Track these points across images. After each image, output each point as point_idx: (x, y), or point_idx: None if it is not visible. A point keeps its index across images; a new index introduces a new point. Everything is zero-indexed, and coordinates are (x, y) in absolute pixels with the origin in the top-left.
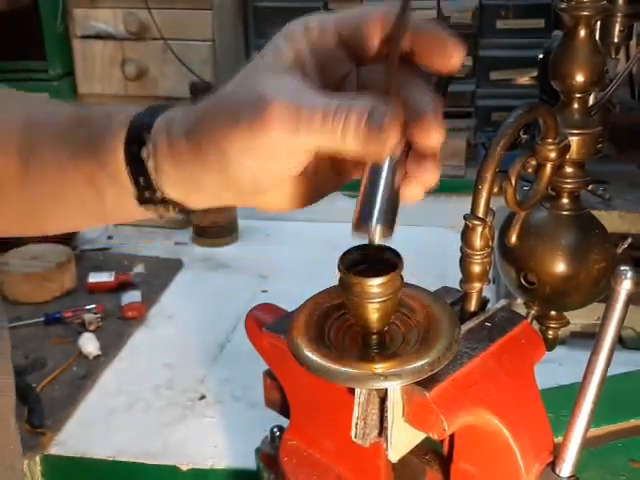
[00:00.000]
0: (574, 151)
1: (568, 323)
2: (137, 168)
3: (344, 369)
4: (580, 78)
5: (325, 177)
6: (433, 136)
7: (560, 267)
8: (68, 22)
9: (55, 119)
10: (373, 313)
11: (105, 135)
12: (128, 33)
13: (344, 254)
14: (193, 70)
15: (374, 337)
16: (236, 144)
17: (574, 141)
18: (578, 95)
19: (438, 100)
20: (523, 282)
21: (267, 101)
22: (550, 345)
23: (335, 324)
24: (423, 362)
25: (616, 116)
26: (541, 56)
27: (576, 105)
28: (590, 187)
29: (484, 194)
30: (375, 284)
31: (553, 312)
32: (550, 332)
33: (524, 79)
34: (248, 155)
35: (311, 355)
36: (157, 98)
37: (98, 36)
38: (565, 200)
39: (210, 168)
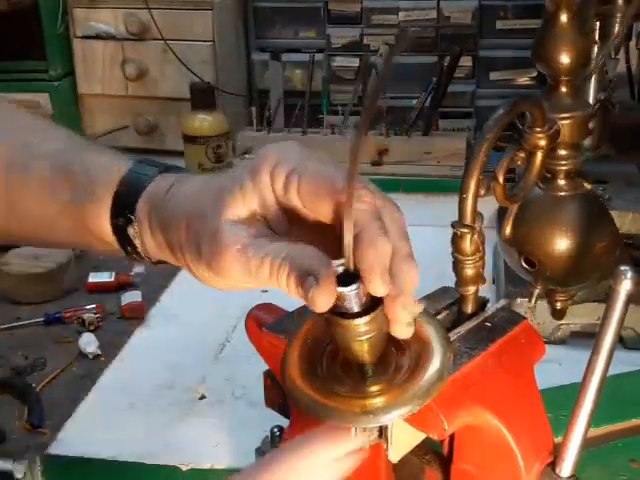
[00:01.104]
0: (566, 135)
1: (574, 296)
2: (124, 238)
3: (334, 411)
4: (565, 60)
5: None
6: (379, 289)
7: (561, 248)
8: (68, 22)
9: (39, 166)
10: (361, 349)
11: (90, 203)
12: (128, 33)
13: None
14: (193, 70)
15: (366, 366)
16: (199, 266)
17: (564, 125)
18: (565, 78)
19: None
20: (524, 265)
21: (223, 245)
22: (560, 315)
23: (329, 348)
24: (412, 403)
25: (616, 116)
26: None
27: (564, 89)
28: (590, 187)
29: (469, 202)
30: (361, 323)
31: (559, 288)
32: (558, 303)
33: (524, 79)
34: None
35: (303, 395)
36: (157, 98)
37: (98, 36)
38: (562, 181)
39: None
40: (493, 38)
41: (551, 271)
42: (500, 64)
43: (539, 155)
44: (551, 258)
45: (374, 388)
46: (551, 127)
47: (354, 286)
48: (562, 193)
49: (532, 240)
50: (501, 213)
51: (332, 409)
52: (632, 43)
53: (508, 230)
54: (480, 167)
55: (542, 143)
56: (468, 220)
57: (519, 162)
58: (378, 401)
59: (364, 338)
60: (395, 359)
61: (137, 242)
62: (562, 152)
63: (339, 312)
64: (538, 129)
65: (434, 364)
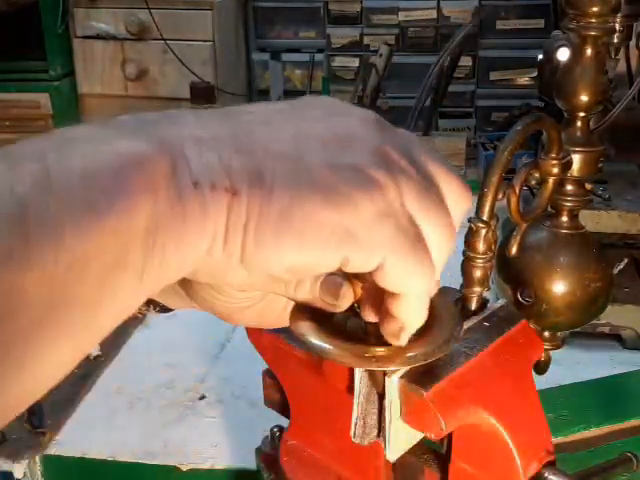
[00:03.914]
0: (575, 169)
1: (560, 346)
2: None
3: (337, 347)
4: (584, 97)
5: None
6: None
7: (557, 284)
8: (68, 22)
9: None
10: None
11: None
12: (128, 33)
13: None
14: (193, 70)
15: (376, 325)
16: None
17: (576, 159)
18: (582, 114)
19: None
20: (520, 298)
21: None
22: (542, 369)
23: (335, 319)
24: (417, 351)
25: (616, 116)
26: (541, 56)
27: (579, 124)
28: (590, 187)
29: (490, 197)
30: None
31: (547, 333)
32: (543, 354)
33: (524, 79)
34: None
35: (308, 332)
36: (157, 98)
37: (98, 36)
38: (564, 218)
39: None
40: (493, 38)
41: (546, 307)
42: (500, 64)
43: (550, 182)
44: (548, 294)
45: (381, 342)
46: (565, 156)
47: None
48: (563, 231)
49: (531, 274)
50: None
51: (336, 348)
52: (632, 43)
53: (515, 249)
54: (504, 165)
55: (555, 170)
56: (486, 216)
57: (533, 182)
58: (383, 349)
59: None
60: None
61: None
62: (569, 188)
63: None
64: (553, 155)
65: (443, 331)
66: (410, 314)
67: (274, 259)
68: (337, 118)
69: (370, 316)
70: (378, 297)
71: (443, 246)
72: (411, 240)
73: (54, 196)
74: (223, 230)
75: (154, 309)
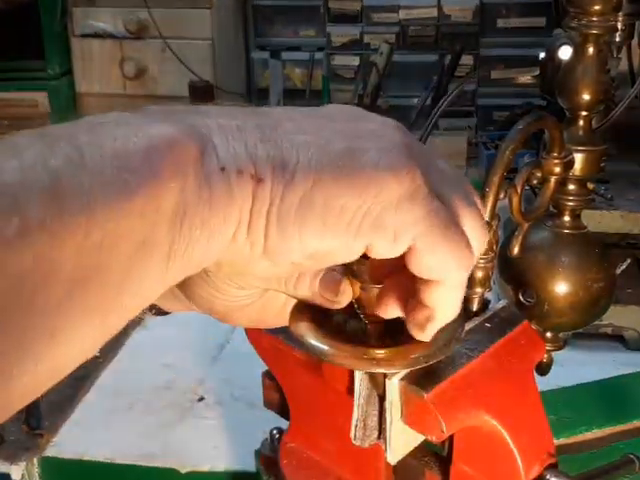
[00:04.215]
0: (577, 168)
1: (561, 347)
2: None
3: (337, 348)
4: (586, 96)
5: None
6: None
7: (559, 285)
8: (67, 21)
9: None
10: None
11: None
12: (127, 32)
13: None
14: (192, 69)
15: (377, 326)
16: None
17: (578, 158)
18: (584, 113)
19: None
20: (522, 299)
21: None
22: (544, 370)
23: (335, 318)
24: (418, 353)
25: (618, 115)
26: (542, 55)
27: (581, 122)
28: (592, 186)
29: (491, 197)
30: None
31: (549, 334)
32: (545, 355)
33: (525, 78)
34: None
35: (308, 333)
36: (156, 97)
37: (97, 35)
38: (566, 218)
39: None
40: (494, 37)
41: (548, 307)
42: (501, 63)
43: (552, 182)
44: (550, 294)
45: (382, 343)
46: (567, 155)
47: None
48: (565, 231)
49: (533, 274)
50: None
51: (336, 350)
52: (634, 41)
53: (516, 249)
54: (506, 165)
55: (557, 170)
56: (487, 216)
57: (535, 181)
58: (383, 351)
59: (379, 286)
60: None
61: None
62: (571, 187)
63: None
64: (555, 154)
65: (443, 334)
66: (443, 303)
67: (296, 245)
68: (359, 122)
69: (392, 311)
70: (402, 290)
71: (478, 234)
72: (444, 222)
73: (87, 173)
74: (247, 217)
75: (150, 311)
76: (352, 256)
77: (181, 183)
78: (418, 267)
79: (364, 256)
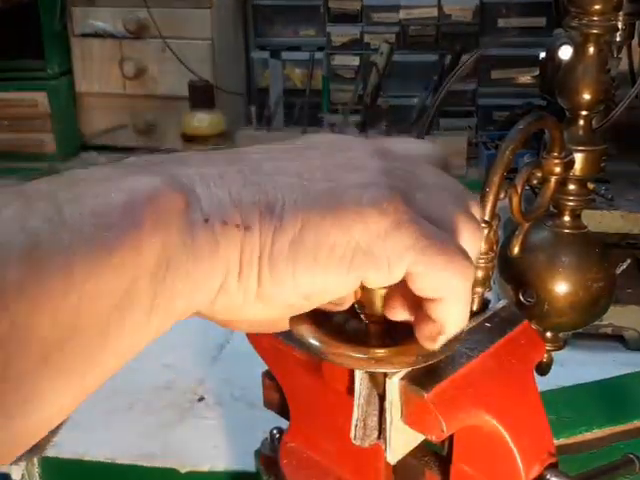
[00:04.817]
0: (577, 168)
1: (562, 347)
2: None
3: (337, 348)
4: (587, 96)
5: None
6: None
7: (559, 285)
8: (67, 20)
9: None
10: (378, 298)
11: None
12: (127, 32)
13: None
14: (192, 69)
15: (377, 326)
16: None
17: (578, 158)
18: (584, 113)
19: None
20: (522, 299)
21: None
22: (544, 370)
23: (335, 319)
24: (418, 353)
25: (618, 115)
26: (543, 55)
27: (581, 122)
28: (592, 186)
29: (491, 197)
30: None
31: (549, 334)
32: (545, 355)
33: (525, 78)
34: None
35: (308, 333)
36: (156, 97)
37: (97, 35)
38: (567, 218)
39: None
40: (494, 36)
41: (549, 307)
42: (501, 63)
43: (552, 182)
44: (550, 294)
45: (383, 342)
46: (567, 155)
47: None
48: (566, 230)
49: (533, 274)
50: (506, 238)
51: (336, 350)
52: (635, 41)
53: (516, 249)
54: (506, 165)
55: (557, 170)
56: (487, 215)
57: (535, 181)
58: (383, 351)
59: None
60: (407, 329)
61: None
62: (571, 187)
63: None
64: (555, 154)
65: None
66: (451, 317)
67: (290, 288)
68: (338, 153)
69: (399, 315)
70: (406, 295)
71: (473, 238)
72: (436, 241)
73: (66, 231)
74: (237, 266)
75: None
76: (348, 290)
77: (163, 236)
78: (420, 290)
79: None
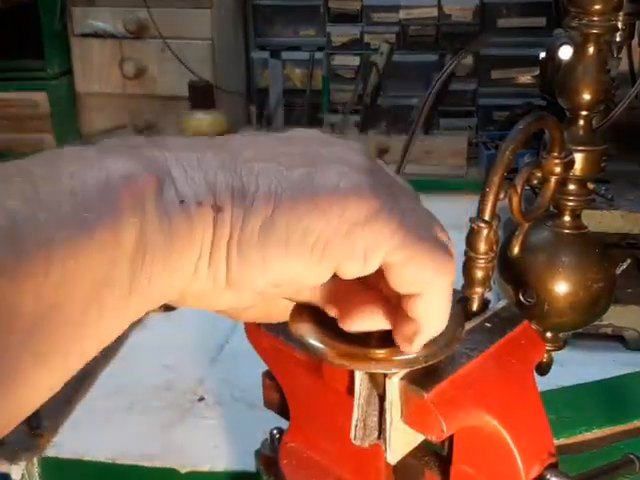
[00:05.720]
0: (577, 168)
1: (562, 347)
2: None
3: (337, 349)
4: (587, 96)
5: None
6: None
7: (559, 285)
8: (66, 20)
9: None
10: None
11: None
12: (127, 32)
13: None
14: (192, 69)
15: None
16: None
17: (578, 158)
18: (584, 113)
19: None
20: (522, 299)
21: None
22: (544, 370)
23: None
24: (418, 353)
25: (618, 115)
26: (543, 55)
27: (581, 122)
28: (592, 186)
29: (491, 197)
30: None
31: (549, 334)
32: (545, 355)
33: (525, 78)
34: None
35: (308, 334)
36: (156, 97)
37: (97, 35)
38: (567, 218)
39: None
40: (494, 36)
41: (549, 307)
42: (501, 63)
43: (552, 182)
44: (550, 294)
45: (382, 344)
46: (567, 155)
47: None
48: (566, 231)
49: (533, 274)
50: (506, 238)
51: (336, 350)
52: (635, 41)
53: (516, 249)
54: (506, 165)
55: (557, 170)
56: (487, 216)
57: (535, 181)
58: (382, 351)
59: None
60: None
61: None
62: (571, 187)
63: None
64: (555, 154)
65: (443, 334)
66: (428, 315)
67: (259, 273)
68: (322, 146)
69: (383, 324)
70: (391, 303)
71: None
72: (415, 233)
73: (43, 210)
74: (209, 248)
75: (158, 307)
76: (320, 280)
77: (140, 217)
78: (397, 282)
79: None
